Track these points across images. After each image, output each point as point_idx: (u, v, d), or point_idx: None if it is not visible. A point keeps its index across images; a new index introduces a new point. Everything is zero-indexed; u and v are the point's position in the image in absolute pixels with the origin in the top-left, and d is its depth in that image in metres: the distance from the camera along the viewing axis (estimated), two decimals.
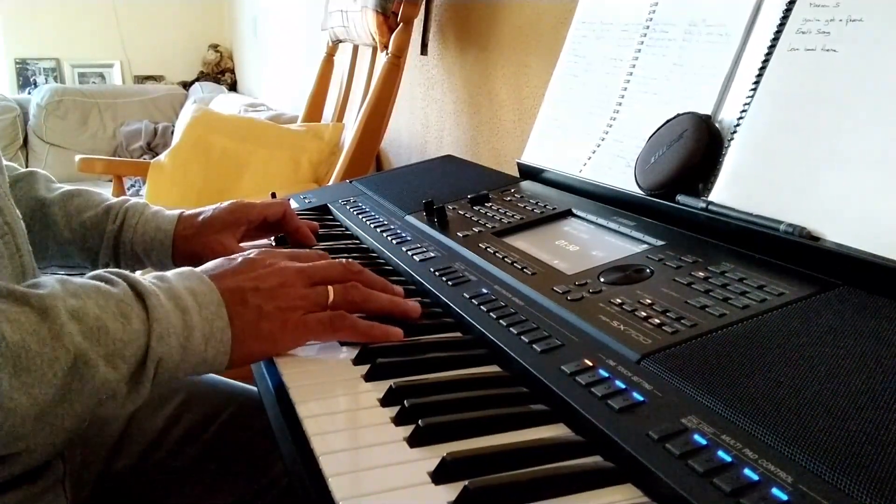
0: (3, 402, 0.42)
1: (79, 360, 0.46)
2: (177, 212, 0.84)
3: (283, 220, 0.85)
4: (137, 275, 0.53)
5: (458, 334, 0.59)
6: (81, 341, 0.46)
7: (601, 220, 0.73)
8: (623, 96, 0.83)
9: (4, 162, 0.81)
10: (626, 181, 0.76)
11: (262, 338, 0.55)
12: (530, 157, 0.96)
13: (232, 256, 0.60)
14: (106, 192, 0.89)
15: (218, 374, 0.56)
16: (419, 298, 0.64)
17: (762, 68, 0.66)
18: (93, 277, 0.52)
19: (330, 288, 0.59)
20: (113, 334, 0.47)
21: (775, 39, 0.66)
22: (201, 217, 0.82)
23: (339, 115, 2.10)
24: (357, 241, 0.87)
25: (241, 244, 0.84)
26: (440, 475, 0.39)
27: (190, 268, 0.57)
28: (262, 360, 0.57)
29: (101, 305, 0.48)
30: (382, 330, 0.58)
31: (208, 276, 0.56)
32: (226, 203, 0.83)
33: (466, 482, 0.37)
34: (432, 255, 0.73)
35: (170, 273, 0.55)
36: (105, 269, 0.53)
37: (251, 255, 0.60)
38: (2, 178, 0.63)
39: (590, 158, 0.84)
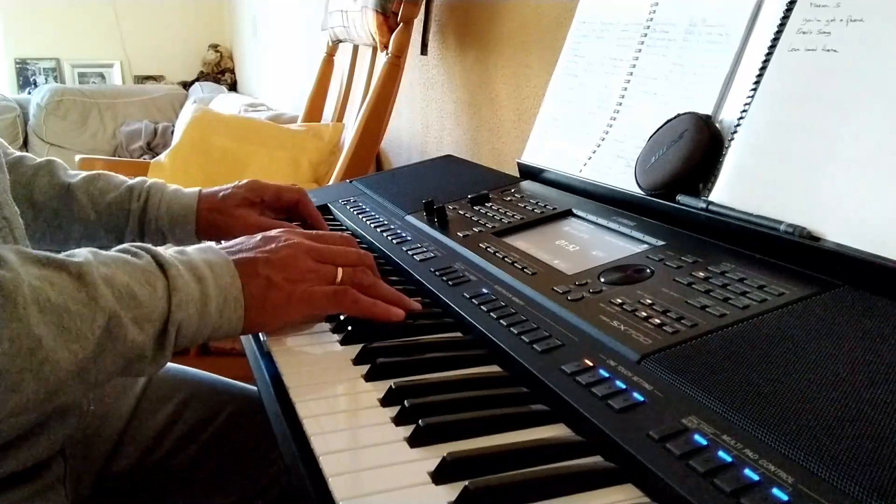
0: (49, 357, 0.45)
1: (112, 320, 0.49)
2: (195, 190, 0.87)
3: (298, 205, 0.87)
4: (159, 249, 0.57)
5: (458, 334, 0.59)
6: (114, 303, 0.49)
7: (601, 220, 0.73)
8: (623, 96, 0.83)
9: (21, 153, 0.84)
10: (626, 181, 0.76)
11: (271, 306, 0.58)
12: (530, 157, 0.96)
13: (253, 235, 0.63)
14: None
15: (233, 337, 0.60)
16: (419, 298, 0.64)
17: (762, 68, 0.66)
18: (118, 251, 0.55)
19: (339, 268, 0.61)
20: (140, 299, 0.51)
21: (776, 39, 0.66)
22: (221, 194, 0.85)
23: (339, 115, 2.09)
24: (357, 241, 0.87)
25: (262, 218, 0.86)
26: (440, 475, 0.39)
27: (209, 243, 0.60)
28: (273, 329, 0.60)
29: (129, 273, 0.52)
30: (384, 308, 0.60)
31: (225, 251, 0.59)
32: (243, 181, 0.87)
33: (467, 482, 0.37)
34: (432, 255, 0.73)
35: (189, 248, 0.59)
36: (129, 244, 0.56)
37: (270, 233, 0.63)
38: (2, 175, 0.63)
39: (590, 158, 0.84)
